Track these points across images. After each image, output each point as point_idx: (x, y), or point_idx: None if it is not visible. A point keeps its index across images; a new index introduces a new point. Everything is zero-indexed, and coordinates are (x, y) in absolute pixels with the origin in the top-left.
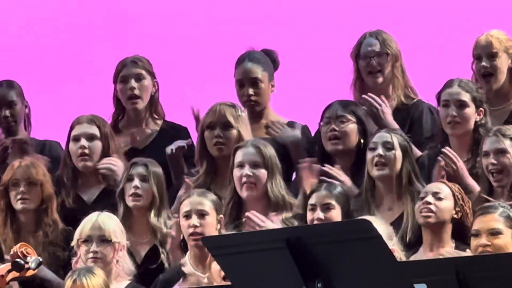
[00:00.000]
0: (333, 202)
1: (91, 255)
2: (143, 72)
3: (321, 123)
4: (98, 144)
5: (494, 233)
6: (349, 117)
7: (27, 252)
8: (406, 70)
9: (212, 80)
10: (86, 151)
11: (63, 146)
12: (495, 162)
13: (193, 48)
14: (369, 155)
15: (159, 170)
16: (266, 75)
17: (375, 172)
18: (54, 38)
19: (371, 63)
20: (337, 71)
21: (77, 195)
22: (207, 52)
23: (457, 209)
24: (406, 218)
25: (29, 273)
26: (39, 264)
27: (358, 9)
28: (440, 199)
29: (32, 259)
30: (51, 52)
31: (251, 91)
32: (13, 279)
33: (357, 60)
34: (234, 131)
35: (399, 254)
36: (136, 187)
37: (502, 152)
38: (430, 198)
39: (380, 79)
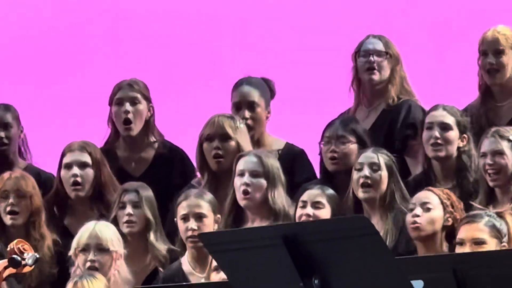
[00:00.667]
0: (324, 201)
1: (89, 264)
2: (139, 96)
3: (322, 143)
4: (90, 172)
5: (478, 242)
6: (350, 138)
7: (24, 249)
8: (407, 77)
9: (209, 106)
10: (79, 179)
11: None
12: (491, 162)
13: (191, 71)
14: (355, 175)
15: (150, 193)
16: (263, 101)
17: (360, 194)
18: (48, 58)
19: (370, 59)
20: (334, 95)
21: (64, 228)
22: (205, 77)
23: (447, 215)
24: (385, 237)
25: (26, 269)
26: (36, 261)
27: (352, 34)
28: (428, 209)
29: (29, 255)
30: (44, 73)
31: (247, 114)
32: (9, 276)
33: (356, 59)
34: (233, 143)
35: None
36: (129, 214)
37: (499, 153)
38: (418, 211)
39: (377, 77)
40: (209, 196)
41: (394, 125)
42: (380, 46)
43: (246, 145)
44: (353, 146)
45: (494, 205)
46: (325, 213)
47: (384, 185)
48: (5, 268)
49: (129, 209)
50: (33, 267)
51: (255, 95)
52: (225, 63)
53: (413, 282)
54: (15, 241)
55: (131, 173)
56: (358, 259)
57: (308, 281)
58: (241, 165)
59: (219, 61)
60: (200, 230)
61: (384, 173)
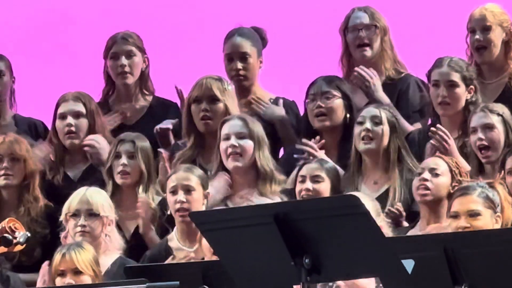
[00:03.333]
0: (323, 174)
1: (79, 229)
2: (134, 48)
3: (307, 100)
4: (84, 122)
5: (473, 214)
6: (335, 92)
7: (15, 227)
8: (394, 45)
9: (201, 57)
10: (73, 128)
11: (47, 125)
12: (482, 137)
13: (183, 24)
14: (357, 129)
15: (146, 144)
16: (255, 51)
17: (361, 146)
18: (41, 13)
19: (360, 35)
20: (325, 48)
21: (65, 172)
22: (197, 29)
23: (454, 184)
24: (392, 193)
25: (17, 248)
26: (27, 239)
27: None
28: (437, 175)
29: (21, 234)
30: (38, 27)
31: (239, 65)
32: (1, 254)
33: (345, 34)
34: (221, 105)
35: (387, 230)
36: (124, 165)
37: (490, 127)
38: (426, 175)
39: (369, 53)
40: (198, 171)
41: (400, 97)
42: (367, 19)
43: (234, 107)
44: (338, 101)
45: (483, 178)
46: (324, 186)
47: (385, 139)
48: None
49: (123, 159)
50: (24, 245)
51: (246, 46)
52: (217, 14)
53: (404, 261)
54: (6, 219)
55: (125, 124)
56: (348, 238)
57: (299, 260)
58: (226, 129)
59: (211, 11)
60: (189, 203)
61: (386, 127)
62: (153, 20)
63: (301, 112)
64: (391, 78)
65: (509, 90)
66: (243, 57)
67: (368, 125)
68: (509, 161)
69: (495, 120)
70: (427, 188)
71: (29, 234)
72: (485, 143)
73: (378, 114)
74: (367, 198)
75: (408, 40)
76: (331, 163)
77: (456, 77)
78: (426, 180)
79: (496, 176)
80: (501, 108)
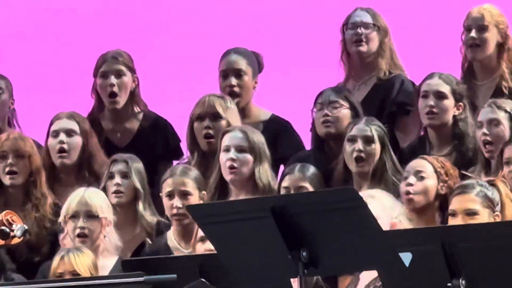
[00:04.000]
0: (307, 184)
1: (78, 231)
2: (123, 68)
3: (314, 110)
4: (77, 140)
5: (470, 213)
6: (342, 102)
7: (12, 220)
8: (395, 50)
9: (195, 76)
10: (65, 146)
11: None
12: (487, 132)
13: (177, 45)
14: (348, 147)
15: (139, 165)
16: (250, 70)
17: (354, 168)
18: (33, 32)
19: (357, 31)
20: (322, 69)
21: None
22: (192, 49)
23: (441, 184)
24: None
25: (15, 241)
26: (24, 232)
27: (341, 7)
28: (422, 178)
29: (18, 227)
30: (30, 47)
31: (234, 81)
32: None
33: (344, 31)
34: (224, 122)
35: (405, 226)
36: (118, 184)
37: (496, 123)
38: (412, 179)
39: (364, 48)
40: (194, 173)
41: (386, 100)
42: (367, 18)
43: (237, 124)
44: (345, 111)
45: (490, 175)
46: None
47: (377, 158)
48: None
49: (117, 179)
50: (21, 238)
51: (242, 63)
52: (213, 37)
53: (402, 255)
54: (4, 212)
55: (116, 144)
56: (346, 231)
57: (296, 253)
58: (226, 140)
59: (207, 34)
60: (185, 208)
61: (377, 146)
62: (146, 38)
63: (301, 127)
64: (381, 79)
65: (500, 91)
66: (238, 74)
67: (360, 145)
68: (507, 151)
69: (502, 116)
70: (414, 193)
71: (26, 227)
72: (489, 138)
73: (370, 133)
74: (385, 194)
75: (409, 43)
76: (312, 168)
77: (445, 89)
78: (411, 184)
79: (499, 173)
80: (509, 104)
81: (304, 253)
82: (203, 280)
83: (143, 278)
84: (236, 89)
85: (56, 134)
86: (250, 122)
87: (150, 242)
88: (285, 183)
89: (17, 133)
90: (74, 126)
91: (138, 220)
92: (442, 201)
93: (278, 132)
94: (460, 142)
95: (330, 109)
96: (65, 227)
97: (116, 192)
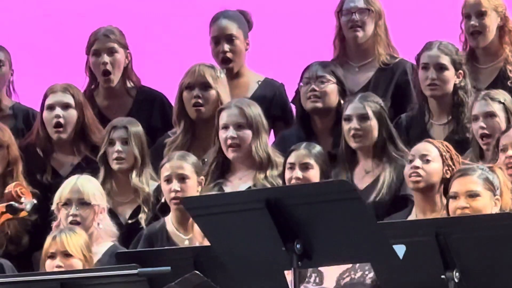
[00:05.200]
0: (312, 161)
1: (70, 218)
2: (116, 45)
3: (301, 84)
4: (73, 113)
5: (472, 195)
6: (329, 77)
7: (21, 193)
8: (389, 30)
9: (187, 42)
10: (61, 120)
11: None
12: (484, 125)
13: (166, 10)
14: (345, 126)
15: (139, 129)
16: (241, 33)
17: (353, 144)
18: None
19: (353, 18)
20: (314, 30)
21: (53, 169)
22: (181, 14)
23: (446, 168)
24: (382, 180)
25: (23, 214)
26: (33, 207)
27: None
28: (428, 161)
29: (27, 201)
30: (27, 21)
31: (226, 47)
32: (6, 220)
33: (339, 17)
34: (213, 92)
35: None
36: (119, 151)
37: (491, 115)
38: (417, 162)
39: (361, 34)
40: (192, 158)
41: (399, 88)
42: (361, 3)
43: (226, 95)
44: (332, 86)
45: (484, 163)
46: (314, 173)
47: (375, 133)
48: (2, 213)
49: (118, 146)
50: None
51: (233, 28)
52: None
53: (395, 247)
54: (13, 183)
55: (112, 120)
56: (340, 223)
57: (290, 245)
58: (223, 118)
59: None
60: (183, 191)
61: (373, 122)
62: (137, 9)
63: (290, 94)
64: (386, 63)
65: (504, 75)
66: (230, 39)
67: (355, 123)
68: (503, 139)
69: (497, 108)
70: (419, 175)
71: (35, 201)
72: (486, 131)
73: (364, 111)
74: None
75: (402, 25)
76: (318, 147)
77: (445, 60)
78: (417, 167)
79: (496, 162)
80: (502, 95)
81: (298, 245)
82: (197, 272)
83: (137, 270)
84: (229, 54)
85: (51, 107)
86: (243, 81)
87: (145, 210)
88: (291, 159)
89: None
90: (69, 99)
91: (132, 186)
92: (446, 185)
93: (273, 92)
94: (459, 110)
95: (317, 83)
96: (58, 214)
97: (117, 158)
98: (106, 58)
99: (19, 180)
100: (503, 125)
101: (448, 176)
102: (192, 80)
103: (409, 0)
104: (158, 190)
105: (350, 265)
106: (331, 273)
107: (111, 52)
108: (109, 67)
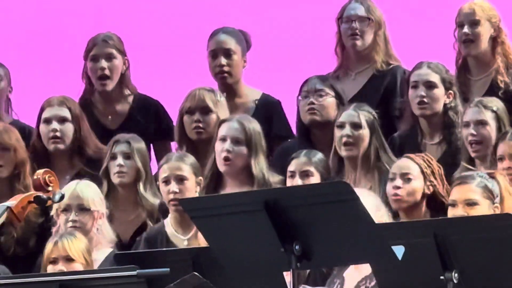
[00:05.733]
0: (312, 169)
1: (70, 224)
2: (114, 51)
3: (299, 97)
4: (69, 127)
5: (471, 203)
6: (328, 90)
7: (50, 181)
8: (390, 40)
9: (184, 57)
10: (58, 134)
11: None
12: (474, 133)
13: (165, 26)
14: (337, 133)
15: (141, 145)
16: (239, 49)
17: (343, 152)
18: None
19: (352, 26)
20: (312, 44)
21: None
22: (180, 31)
23: (428, 183)
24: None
25: (48, 203)
26: (61, 198)
27: None
28: (409, 180)
29: (56, 193)
30: (21, 31)
31: (223, 61)
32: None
33: (339, 24)
34: (214, 116)
35: None
36: (120, 165)
37: (482, 123)
38: (398, 182)
39: (360, 43)
40: (190, 159)
41: (388, 91)
42: (361, 11)
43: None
44: (331, 100)
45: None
46: (314, 181)
47: (366, 143)
48: (29, 202)
49: (120, 160)
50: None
51: (231, 43)
52: (201, 17)
53: (394, 248)
54: (43, 170)
55: (108, 127)
56: (339, 224)
57: (289, 247)
58: (223, 130)
59: (196, 14)
60: (182, 192)
61: (365, 131)
62: (136, 20)
63: (290, 109)
64: (379, 71)
65: (496, 85)
66: (228, 53)
67: (348, 131)
68: (500, 147)
69: (489, 116)
70: (400, 195)
71: (63, 193)
72: (477, 138)
73: (358, 119)
74: (367, 193)
75: (404, 34)
76: (319, 155)
77: (435, 78)
78: (398, 187)
79: (497, 167)
80: (495, 103)
81: (297, 247)
82: (196, 273)
83: (135, 272)
84: (226, 68)
85: (48, 121)
86: (241, 101)
87: (151, 225)
88: (291, 167)
89: (1, 126)
90: (66, 113)
91: (139, 200)
92: (429, 198)
93: (270, 110)
94: (450, 131)
95: (315, 97)
96: (57, 220)
97: (118, 172)
98: (104, 63)
99: (26, 182)
100: (494, 134)
101: (429, 192)
102: (192, 104)
103: (414, 9)
104: (161, 206)
105: (368, 273)
106: (352, 280)
107: (109, 57)
108: (107, 72)
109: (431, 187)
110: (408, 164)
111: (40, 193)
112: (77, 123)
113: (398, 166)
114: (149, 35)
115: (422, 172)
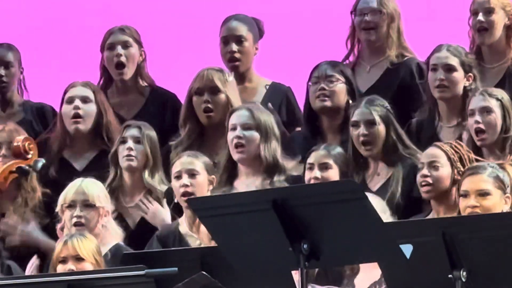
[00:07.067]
0: (331, 162)
1: (75, 219)
2: (130, 39)
3: (310, 83)
4: (92, 107)
5: (483, 194)
6: (338, 76)
7: (29, 148)
8: (404, 32)
9: (198, 47)
10: (80, 112)
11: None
12: (479, 120)
13: (179, 16)
14: (353, 131)
15: (152, 133)
16: (251, 36)
17: (364, 152)
18: (45, 8)
19: (365, 19)
20: (323, 33)
21: (62, 163)
22: (193, 20)
23: (456, 170)
24: (395, 183)
25: (31, 172)
26: (42, 165)
27: None
28: (436, 168)
29: (37, 161)
30: (42, 20)
31: (235, 47)
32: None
33: (353, 17)
34: (223, 96)
35: None
36: (130, 149)
37: (488, 110)
38: (426, 171)
39: (373, 36)
40: (203, 157)
41: (403, 83)
42: (374, 4)
43: (235, 98)
44: (341, 85)
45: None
46: (333, 173)
47: (382, 137)
48: (10, 172)
49: (129, 144)
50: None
51: (243, 30)
52: (214, 4)
53: (402, 246)
54: (22, 137)
55: (123, 117)
56: (347, 223)
57: (297, 246)
58: (233, 119)
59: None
60: (193, 186)
61: (381, 127)
62: (152, 13)
63: (300, 96)
64: (394, 63)
65: (510, 75)
66: (239, 40)
67: (363, 129)
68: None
69: (494, 104)
70: (429, 184)
71: (44, 161)
72: (482, 126)
73: (371, 116)
74: (371, 196)
75: (417, 25)
76: (338, 148)
77: (454, 61)
78: (426, 176)
79: (506, 158)
80: (500, 93)
81: (305, 246)
82: (204, 273)
83: (144, 271)
84: (237, 55)
85: (71, 100)
86: (251, 86)
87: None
88: (310, 160)
89: (12, 125)
90: (89, 93)
91: (144, 186)
92: (459, 185)
93: (281, 96)
94: None
95: (326, 83)
96: (62, 216)
97: (127, 156)
98: (120, 50)
99: (33, 183)
100: (499, 122)
101: (459, 177)
102: (201, 85)
103: (429, 2)
104: (168, 191)
105: (378, 278)
106: (362, 286)
107: (126, 45)
108: (123, 59)
109: (459, 174)
110: (435, 152)
111: (20, 163)
112: (102, 106)
113: (426, 155)
114: (164, 27)
115: (449, 158)
